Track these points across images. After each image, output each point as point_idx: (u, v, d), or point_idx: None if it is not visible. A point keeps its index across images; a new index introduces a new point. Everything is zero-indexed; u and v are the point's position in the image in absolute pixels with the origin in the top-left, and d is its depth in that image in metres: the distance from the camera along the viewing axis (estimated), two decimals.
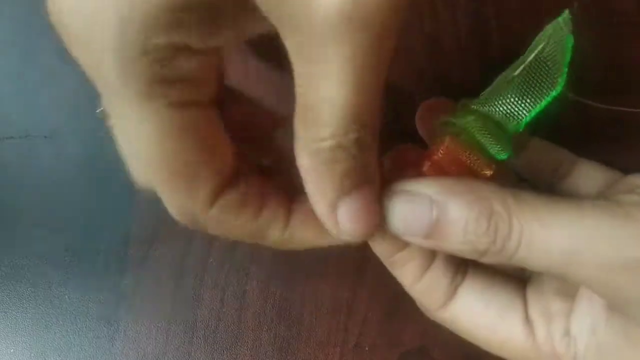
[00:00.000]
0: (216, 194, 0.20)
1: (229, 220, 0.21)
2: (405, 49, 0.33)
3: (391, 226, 0.21)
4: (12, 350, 0.31)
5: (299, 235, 0.22)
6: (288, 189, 0.22)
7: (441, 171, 0.23)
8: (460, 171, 0.23)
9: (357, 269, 0.31)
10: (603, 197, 0.22)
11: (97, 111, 0.21)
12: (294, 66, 0.17)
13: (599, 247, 0.20)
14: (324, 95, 0.17)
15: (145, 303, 0.31)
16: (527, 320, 0.23)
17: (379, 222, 0.21)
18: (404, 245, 0.23)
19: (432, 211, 0.20)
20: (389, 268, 0.24)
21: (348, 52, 0.16)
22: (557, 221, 0.20)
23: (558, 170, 0.27)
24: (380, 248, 0.24)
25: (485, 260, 0.21)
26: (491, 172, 0.23)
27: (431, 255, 0.24)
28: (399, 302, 0.30)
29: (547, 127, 0.32)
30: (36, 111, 0.35)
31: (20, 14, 0.37)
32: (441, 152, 0.23)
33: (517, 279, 0.25)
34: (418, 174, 0.23)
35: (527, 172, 0.28)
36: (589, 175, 0.27)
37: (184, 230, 0.32)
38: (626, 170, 0.27)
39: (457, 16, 0.33)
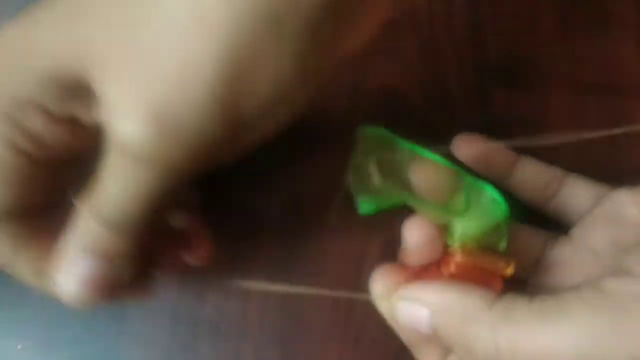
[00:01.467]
0: None
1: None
2: (401, 56, 0.34)
3: (401, 326, 0.24)
4: (19, 347, 0.31)
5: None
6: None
7: (462, 274, 0.24)
8: (481, 275, 0.24)
9: (357, 265, 0.31)
10: (590, 285, 0.21)
11: None
12: None
13: (605, 353, 0.19)
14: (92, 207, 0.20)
15: (150, 300, 0.31)
16: None
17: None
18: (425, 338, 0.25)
19: (433, 320, 0.22)
20: (412, 351, 0.27)
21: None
22: (557, 334, 0.19)
23: (548, 189, 0.28)
24: (406, 336, 0.26)
25: None
26: (512, 270, 0.24)
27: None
28: None
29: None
30: None
31: (21, 14, 0.37)
32: (456, 263, 0.24)
33: None
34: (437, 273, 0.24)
35: (517, 191, 0.29)
36: (577, 192, 0.28)
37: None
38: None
39: (453, 22, 0.33)
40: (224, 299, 0.31)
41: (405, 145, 0.25)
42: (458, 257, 0.24)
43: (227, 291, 0.31)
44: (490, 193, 0.23)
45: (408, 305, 0.23)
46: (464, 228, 0.23)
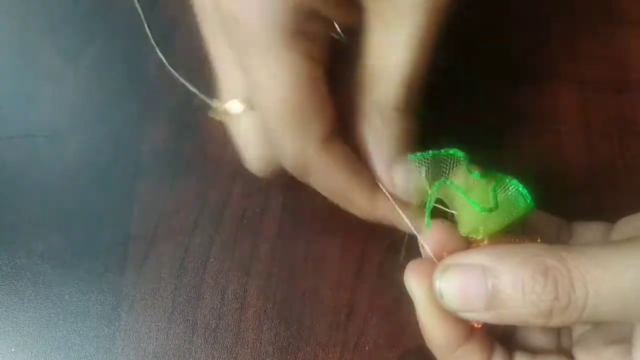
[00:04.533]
0: (326, 139, 0.24)
1: (333, 170, 0.24)
2: None
3: (448, 304, 0.21)
4: (12, 350, 0.31)
5: (381, 208, 0.25)
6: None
7: None
8: None
9: (358, 269, 0.31)
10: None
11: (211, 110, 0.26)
12: (370, 35, 0.23)
13: None
14: (391, 62, 0.23)
15: (146, 302, 0.31)
16: None
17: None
18: (465, 339, 0.23)
19: (487, 279, 0.20)
20: None
21: (417, 27, 0.22)
22: (620, 262, 0.19)
23: (560, 234, 0.27)
24: (442, 339, 0.23)
25: (554, 323, 0.20)
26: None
27: (490, 352, 0.23)
28: (398, 302, 0.30)
29: None
30: (37, 111, 0.35)
31: (21, 13, 0.37)
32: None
33: (559, 350, 0.25)
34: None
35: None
36: (586, 233, 0.27)
37: (184, 229, 0.32)
38: None
39: (461, 17, 0.33)
40: (220, 302, 0.31)
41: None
42: (486, 242, 0.23)
43: (224, 294, 0.31)
44: (516, 187, 0.23)
45: (458, 270, 0.21)
46: (490, 223, 0.23)
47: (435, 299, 0.22)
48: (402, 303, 0.30)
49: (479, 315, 0.21)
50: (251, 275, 0.31)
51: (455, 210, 0.24)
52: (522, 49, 0.33)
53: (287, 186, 0.32)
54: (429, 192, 0.23)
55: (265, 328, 0.30)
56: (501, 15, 0.33)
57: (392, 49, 0.23)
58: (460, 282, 0.21)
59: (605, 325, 0.23)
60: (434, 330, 0.23)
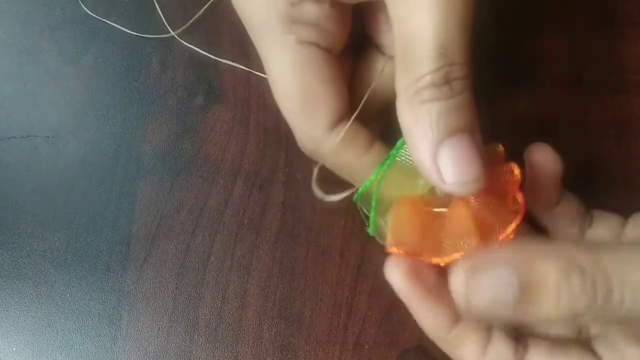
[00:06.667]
0: (334, 124, 0.23)
1: (342, 151, 0.24)
2: None
3: (475, 305, 0.20)
4: (14, 349, 0.31)
5: None
6: None
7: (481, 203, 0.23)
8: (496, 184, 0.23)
9: (358, 268, 0.31)
10: None
11: None
12: (393, 12, 0.21)
13: None
14: (415, 33, 0.20)
15: (147, 301, 0.31)
16: None
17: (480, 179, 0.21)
18: (457, 318, 0.23)
19: (517, 278, 0.20)
20: (448, 351, 0.24)
21: None
22: None
23: (586, 220, 0.27)
24: (433, 323, 0.23)
25: (582, 319, 0.20)
26: (515, 224, 0.23)
27: (487, 327, 0.23)
28: (398, 301, 0.30)
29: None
30: (37, 111, 0.35)
31: (22, 14, 0.37)
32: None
33: (577, 340, 0.24)
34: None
35: (554, 223, 0.28)
36: (605, 223, 0.27)
37: (185, 228, 0.32)
38: None
39: None
40: (221, 301, 0.31)
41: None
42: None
43: (225, 293, 0.31)
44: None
45: (486, 274, 0.20)
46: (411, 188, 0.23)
47: (417, 287, 0.23)
48: (402, 302, 0.30)
49: (504, 315, 0.20)
50: (251, 275, 0.31)
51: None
52: (520, 49, 0.33)
53: (287, 186, 0.32)
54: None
55: (265, 327, 0.30)
56: (499, 15, 0.33)
57: (414, 17, 0.20)
58: (489, 283, 0.20)
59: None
60: (422, 316, 0.23)
